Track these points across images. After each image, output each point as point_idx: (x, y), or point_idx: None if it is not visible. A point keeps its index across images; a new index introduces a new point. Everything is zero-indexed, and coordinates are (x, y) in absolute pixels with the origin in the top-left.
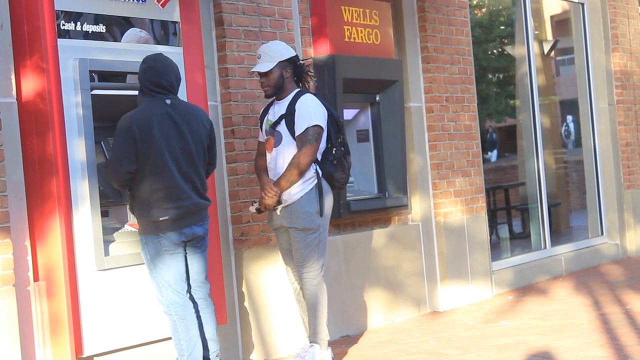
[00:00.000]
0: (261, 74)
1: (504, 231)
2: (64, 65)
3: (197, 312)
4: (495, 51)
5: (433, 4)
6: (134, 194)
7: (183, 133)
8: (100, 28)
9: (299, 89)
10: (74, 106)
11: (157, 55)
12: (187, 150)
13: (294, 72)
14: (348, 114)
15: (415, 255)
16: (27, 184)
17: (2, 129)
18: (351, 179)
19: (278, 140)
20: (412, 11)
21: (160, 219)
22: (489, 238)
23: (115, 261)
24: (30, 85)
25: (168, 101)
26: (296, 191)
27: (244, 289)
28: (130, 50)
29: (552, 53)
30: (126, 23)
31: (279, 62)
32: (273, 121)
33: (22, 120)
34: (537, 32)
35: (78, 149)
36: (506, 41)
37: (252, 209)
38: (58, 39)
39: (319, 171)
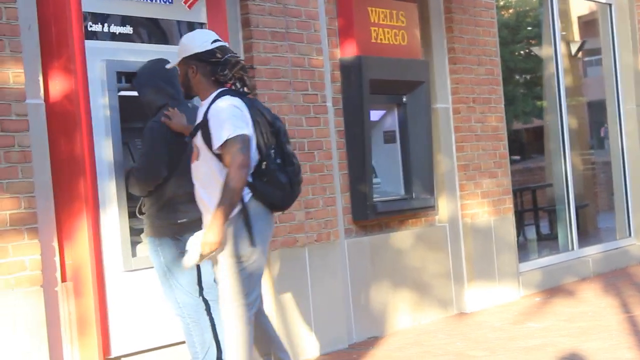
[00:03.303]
0: None
1: (531, 232)
2: (92, 66)
3: (209, 314)
4: (522, 52)
5: (460, 4)
6: (154, 197)
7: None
8: (128, 29)
9: (220, 90)
10: (101, 107)
11: (164, 60)
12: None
13: (212, 70)
14: (375, 115)
15: (442, 257)
16: (55, 184)
17: (30, 130)
18: (378, 180)
19: (197, 153)
20: (439, 12)
21: (179, 221)
22: (516, 239)
23: (142, 262)
24: (58, 86)
25: (190, 105)
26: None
27: (270, 290)
28: (157, 52)
29: (580, 54)
30: (153, 24)
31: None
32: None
33: (50, 121)
34: (564, 33)
35: (105, 150)
36: (533, 42)
37: (192, 260)
38: (85, 41)
39: (247, 190)
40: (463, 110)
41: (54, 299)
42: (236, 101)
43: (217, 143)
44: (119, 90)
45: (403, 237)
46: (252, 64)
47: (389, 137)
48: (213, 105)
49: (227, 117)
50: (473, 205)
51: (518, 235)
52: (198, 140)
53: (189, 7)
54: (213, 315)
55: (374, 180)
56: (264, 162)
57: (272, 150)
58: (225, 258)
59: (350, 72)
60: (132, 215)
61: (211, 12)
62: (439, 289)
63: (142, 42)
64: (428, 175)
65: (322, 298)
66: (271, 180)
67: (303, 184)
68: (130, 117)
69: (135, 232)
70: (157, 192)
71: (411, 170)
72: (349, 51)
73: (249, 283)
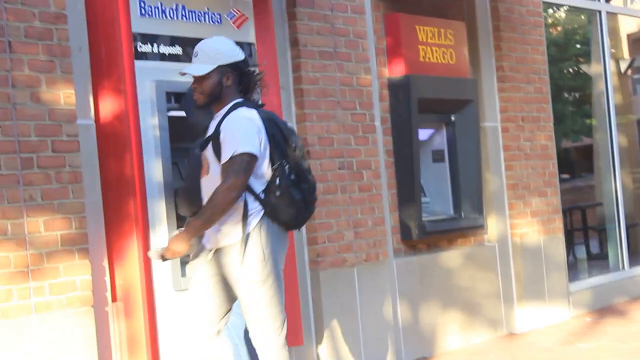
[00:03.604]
0: (195, 78)
1: (581, 252)
2: (141, 86)
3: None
4: (571, 70)
5: (508, 23)
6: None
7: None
8: (177, 50)
9: (236, 101)
10: (151, 127)
11: None
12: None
13: (240, 80)
14: (423, 134)
15: (491, 276)
16: (105, 205)
17: (80, 151)
18: (427, 199)
19: (207, 168)
20: (487, 30)
21: None
22: (566, 259)
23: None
24: (108, 107)
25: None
26: (229, 232)
27: (319, 310)
28: None
29: (629, 71)
30: None
31: (219, 66)
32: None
33: (100, 141)
34: (613, 51)
35: (155, 170)
36: (582, 60)
37: (154, 254)
38: (135, 61)
39: (259, 207)
40: (512, 128)
41: (105, 319)
42: (252, 113)
43: (225, 157)
44: (168, 110)
45: (452, 257)
46: (300, 83)
47: (437, 156)
48: (228, 118)
49: (241, 131)
50: (522, 224)
51: (568, 255)
52: (209, 153)
53: (238, 27)
54: None
55: (423, 200)
56: (278, 177)
57: (287, 166)
58: (245, 285)
59: (398, 91)
60: None
61: (260, 31)
62: (489, 309)
63: (191, 62)
64: (477, 195)
65: (371, 318)
66: (284, 196)
67: (352, 203)
68: (179, 137)
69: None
70: None
71: (460, 190)
72: (397, 70)
73: (274, 307)
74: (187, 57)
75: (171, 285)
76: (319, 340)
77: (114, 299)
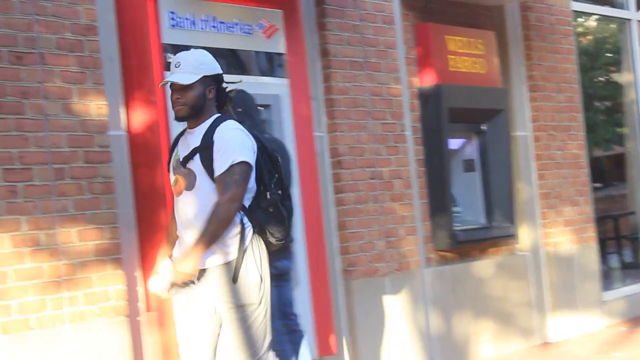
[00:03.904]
0: (176, 88)
1: (614, 261)
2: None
3: (293, 344)
4: (601, 78)
5: (539, 32)
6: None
7: (283, 168)
8: None
9: (218, 115)
10: None
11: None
12: (285, 186)
13: (217, 94)
14: (454, 143)
15: (523, 286)
16: (138, 215)
17: (112, 161)
18: (458, 209)
19: (191, 182)
20: (517, 40)
21: None
22: (599, 268)
23: None
24: (139, 117)
25: (267, 136)
26: (222, 250)
27: (351, 319)
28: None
29: None
30: (232, 55)
31: (203, 76)
32: (182, 156)
33: (132, 152)
34: None
35: None
36: (613, 68)
37: (158, 286)
38: (165, 72)
39: (249, 224)
40: (543, 138)
41: (138, 328)
42: (242, 127)
43: (222, 167)
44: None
45: (484, 266)
46: (331, 93)
47: (468, 166)
48: (220, 129)
49: (237, 141)
50: (555, 233)
51: (601, 264)
52: (195, 165)
53: (268, 37)
54: (297, 344)
55: (454, 209)
56: (268, 192)
57: (274, 180)
58: (234, 311)
59: (428, 100)
60: None
61: (290, 42)
62: (522, 318)
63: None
64: (508, 204)
65: (403, 327)
66: (275, 211)
67: (383, 212)
68: None
69: None
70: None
71: (491, 199)
72: (428, 80)
73: (262, 332)
74: None
75: None
76: (351, 350)
77: (147, 309)
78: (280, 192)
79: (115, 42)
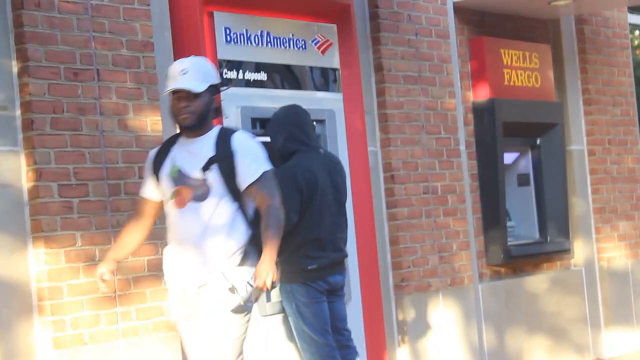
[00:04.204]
0: (183, 96)
1: None
2: (227, 113)
3: (343, 358)
4: None
5: (594, 45)
6: (285, 243)
7: (336, 183)
8: (262, 76)
9: (221, 126)
10: None
11: (297, 106)
12: (340, 200)
13: (217, 104)
14: (508, 157)
15: (577, 301)
16: None
17: None
18: (512, 223)
19: (203, 193)
20: (573, 53)
21: (309, 267)
22: None
23: (276, 307)
24: None
25: (322, 151)
26: (223, 260)
27: (404, 335)
28: (291, 97)
29: None
30: (286, 70)
31: (210, 85)
32: (189, 166)
33: None
34: None
35: None
36: None
37: (252, 296)
38: (221, 87)
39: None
40: (598, 152)
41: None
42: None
43: (253, 176)
44: (254, 136)
45: (538, 281)
46: (385, 108)
47: (523, 180)
48: (238, 139)
49: (261, 151)
50: (610, 248)
51: None
52: (212, 176)
53: (322, 52)
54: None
55: (508, 224)
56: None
57: None
58: (228, 316)
59: (483, 115)
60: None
61: (344, 57)
62: (576, 333)
63: (276, 88)
64: (563, 218)
65: (456, 342)
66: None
67: (436, 227)
68: None
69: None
70: (287, 237)
71: (546, 213)
72: (482, 94)
73: (241, 343)
74: (271, 82)
75: (257, 310)
76: None
77: None
78: None
79: (171, 58)
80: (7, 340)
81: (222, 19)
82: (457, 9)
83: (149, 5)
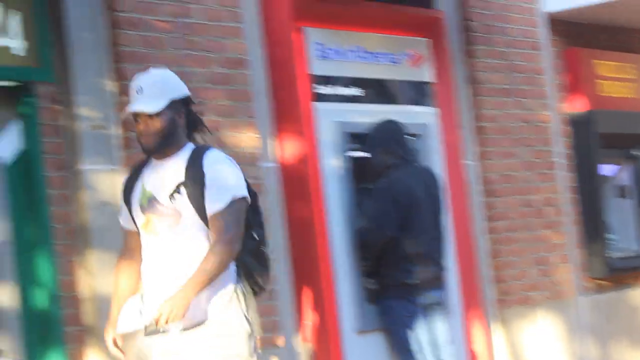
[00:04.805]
0: (139, 116)
1: None
2: (323, 128)
3: None
4: None
5: None
6: (384, 257)
7: (434, 197)
8: (355, 91)
9: (195, 145)
10: (333, 168)
11: (393, 121)
12: (437, 214)
13: (187, 119)
14: (606, 169)
15: None
16: (291, 246)
17: (265, 193)
18: (612, 236)
19: (172, 221)
20: None
21: (409, 282)
22: None
23: (375, 323)
24: (290, 149)
25: (418, 165)
26: (209, 302)
27: (505, 348)
28: (385, 112)
29: None
30: (380, 85)
31: (172, 100)
32: (158, 192)
33: (285, 184)
34: None
35: (337, 211)
36: None
37: (127, 326)
38: (315, 103)
39: (235, 267)
40: None
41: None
42: (227, 156)
43: (219, 204)
44: (349, 151)
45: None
46: (480, 121)
47: (622, 192)
48: (209, 160)
49: (232, 173)
50: None
51: None
52: (180, 202)
53: (415, 66)
54: None
55: (608, 237)
56: (253, 231)
57: (258, 218)
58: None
59: (579, 126)
60: (364, 275)
61: (437, 70)
62: None
63: (370, 102)
64: None
65: (557, 356)
66: (257, 253)
67: (536, 240)
68: (360, 178)
69: (367, 293)
70: (387, 252)
71: None
72: (578, 105)
73: None
74: (365, 97)
75: (354, 326)
76: None
77: (303, 340)
78: (262, 230)
79: (264, 75)
80: None
81: (314, 34)
82: (551, 21)
83: (241, 22)
